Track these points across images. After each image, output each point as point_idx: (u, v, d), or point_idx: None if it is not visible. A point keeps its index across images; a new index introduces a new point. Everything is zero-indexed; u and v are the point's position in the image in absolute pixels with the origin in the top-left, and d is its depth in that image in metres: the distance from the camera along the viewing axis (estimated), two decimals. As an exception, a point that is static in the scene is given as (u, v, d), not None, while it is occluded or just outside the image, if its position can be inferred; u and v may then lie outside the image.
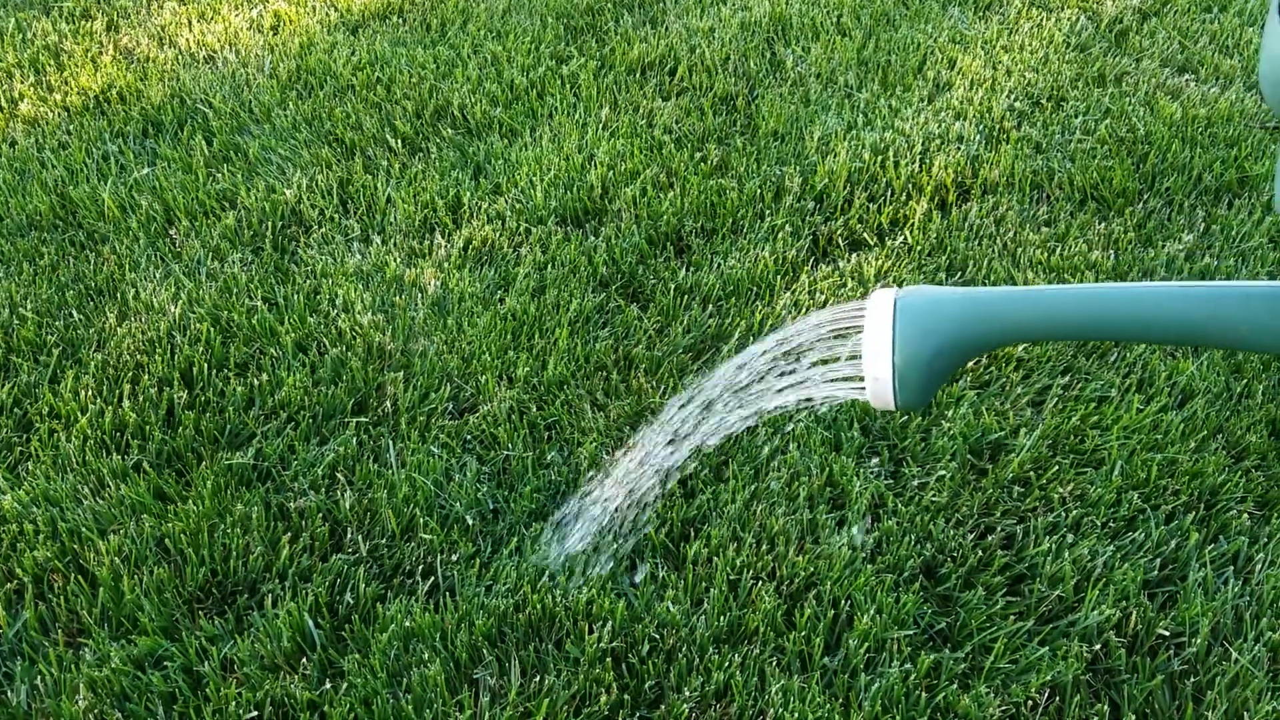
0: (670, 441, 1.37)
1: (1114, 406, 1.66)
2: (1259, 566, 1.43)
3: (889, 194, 2.14)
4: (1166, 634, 1.35)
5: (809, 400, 1.08)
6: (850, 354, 0.99)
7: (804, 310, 1.87)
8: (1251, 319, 0.87)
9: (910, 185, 2.16)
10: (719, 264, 1.97)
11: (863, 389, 0.96)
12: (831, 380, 1.03)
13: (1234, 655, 1.33)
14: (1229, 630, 1.36)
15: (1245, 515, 1.49)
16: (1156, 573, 1.42)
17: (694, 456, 1.44)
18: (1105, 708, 1.28)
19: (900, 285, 0.97)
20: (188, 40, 2.84)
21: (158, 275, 1.99)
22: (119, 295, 1.94)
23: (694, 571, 1.42)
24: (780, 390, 1.12)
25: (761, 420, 1.20)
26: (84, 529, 1.49)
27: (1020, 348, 1.76)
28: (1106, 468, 1.55)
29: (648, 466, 1.42)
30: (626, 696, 1.29)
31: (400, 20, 2.92)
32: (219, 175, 2.27)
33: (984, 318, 0.94)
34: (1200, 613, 1.36)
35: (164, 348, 1.79)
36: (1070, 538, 1.46)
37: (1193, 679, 1.31)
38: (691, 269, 1.97)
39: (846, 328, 0.99)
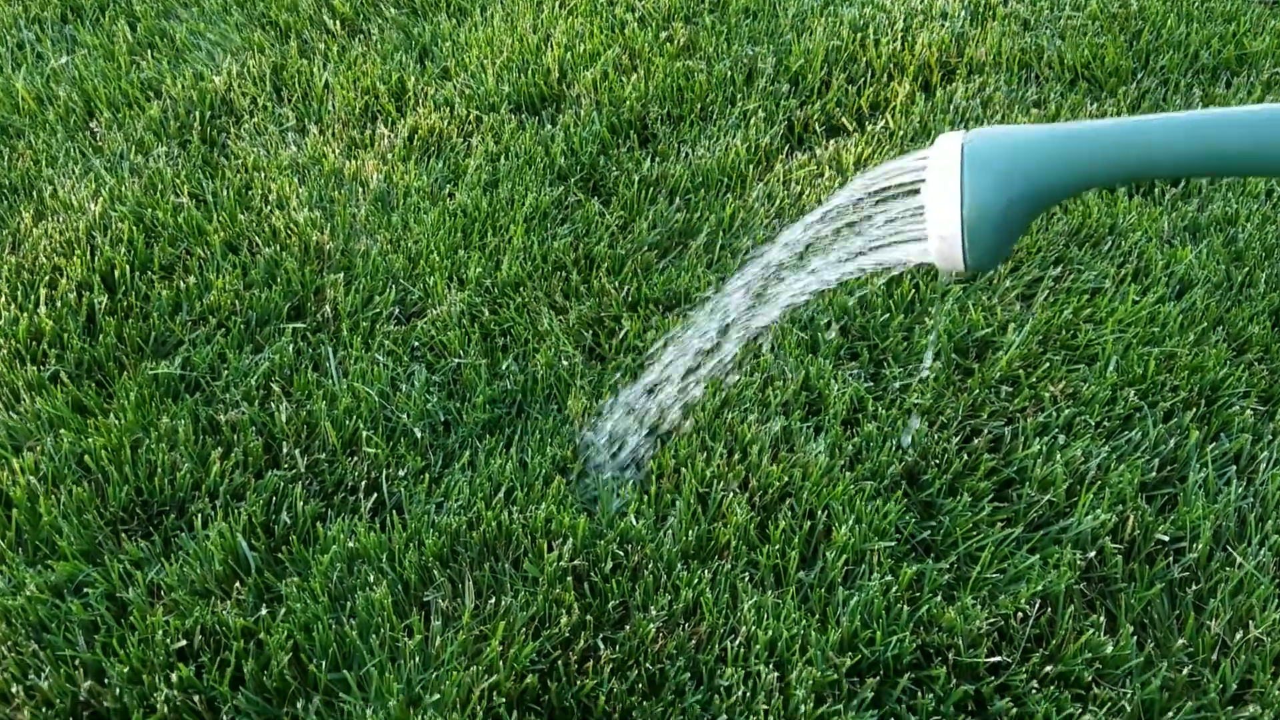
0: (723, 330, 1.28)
1: (1108, 298, 1.55)
2: (1263, 466, 1.34)
3: (869, 75, 1.99)
4: (1165, 539, 1.27)
5: (865, 269, 0.98)
6: (915, 209, 0.88)
7: (777, 202, 1.73)
8: None
9: (892, 65, 2.01)
10: (686, 153, 1.83)
11: (927, 253, 0.86)
12: (893, 243, 0.92)
13: (1238, 560, 1.25)
14: (1232, 534, 1.28)
15: (1248, 411, 1.40)
16: (1154, 474, 1.33)
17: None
18: (1101, 618, 1.20)
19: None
20: (108, -83, 2.61)
21: (77, 171, 1.83)
22: (35, 193, 1.79)
23: (660, 484, 1.32)
24: (838, 261, 1.02)
25: (821, 293, 1.11)
26: (-4, 447, 1.37)
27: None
28: (1100, 363, 1.45)
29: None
30: (589, 617, 1.19)
31: (340, -106, 2.70)
32: (143, 63, 2.09)
33: (1067, 158, 0.82)
34: (1201, 516, 1.28)
35: (83, 249, 1.64)
36: (1062, 439, 1.36)
37: (1194, 586, 1.23)
38: (657, 159, 1.83)
39: (912, 182, 0.88)
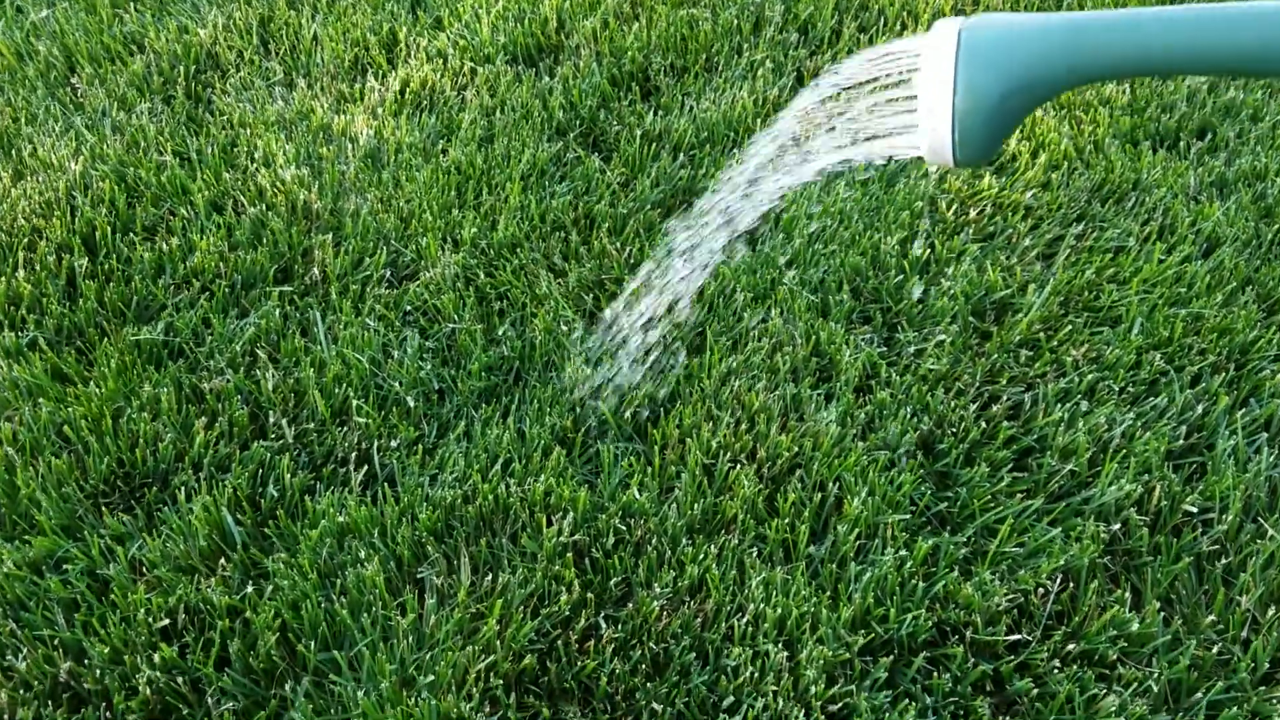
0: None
1: (1132, 257, 1.48)
2: (1295, 433, 1.28)
3: (881, 23, 1.91)
4: (1193, 510, 1.21)
5: (848, 161, 0.91)
6: (905, 98, 0.83)
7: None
8: None
9: (905, 13, 1.92)
10: (691, 106, 1.75)
11: (917, 145, 0.81)
12: (879, 135, 0.86)
13: (1269, 532, 1.19)
14: (1262, 505, 1.22)
15: (1279, 375, 1.33)
16: (1181, 442, 1.27)
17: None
18: (1125, 594, 1.14)
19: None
20: None
21: (57, 129, 1.75)
22: (14, 152, 1.72)
23: (664, 455, 1.26)
24: (814, 154, 0.95)
25: (796, 188, 1.04)
26: (-28, 418, 1.31)
27: (1028, 193, 1.57)
28: (1124, 326, 1.39)
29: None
30: (590, 595, 1.14)
31: None
32: (126, 15, 2.01)
33: (1070, 48, 0.77)
34: (1231, 486, 1.22)
35: (63, 210, 1.58)
36: (1084, 405, 1.30)
37: (1223, 560, 1.17)
38: (660, 113, 1.75)
39: (905, 69, 0.83)
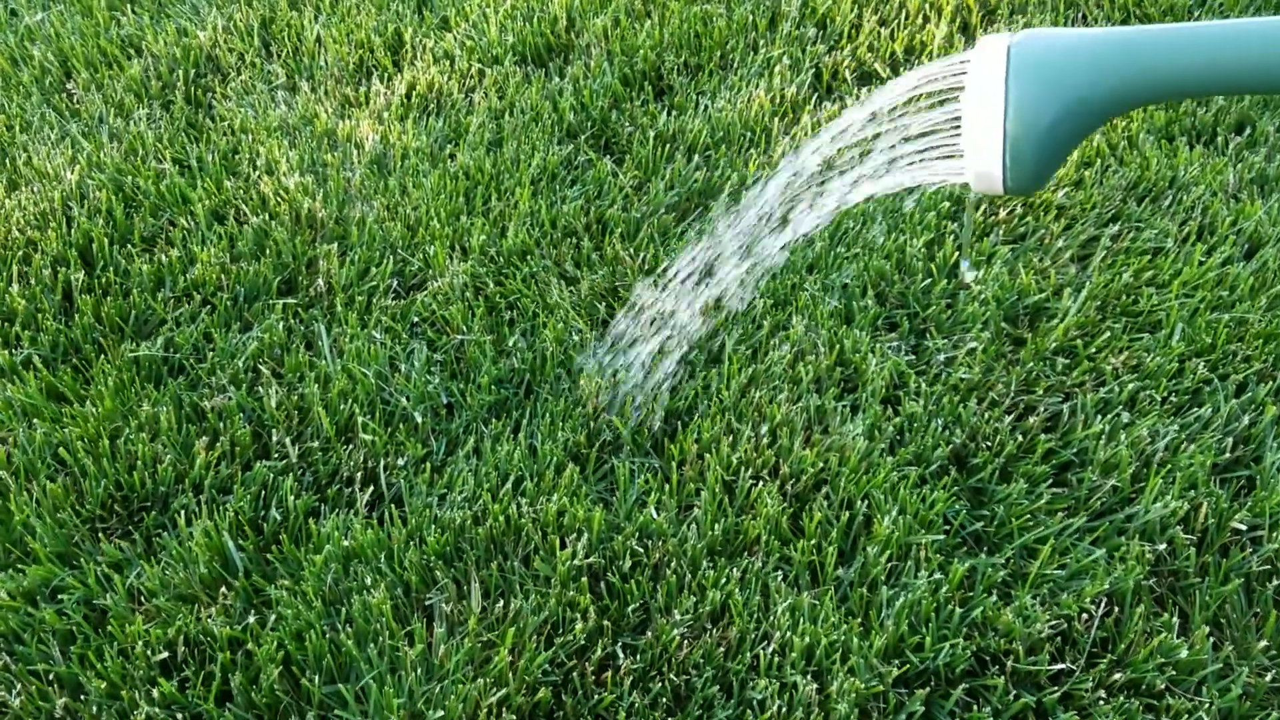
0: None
1: (1171, 259, 1.42)
2: (1349, 445, 1.22)
3: (903, 16, 1.84)
4: (1242, 528, 1.15)
5: (885, 190, 0.86)
6: (950, 120, 0.78)
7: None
8: None
9: (927, 5, 1.86)
10: (706, 106, 1.70)
11: (962, 171, 0.76)
12: (921, 161, 0.82)
13: (1325, 553, 1.13)
14: (1317, 522, 1.16)
15: (1330, 384, 1.27)
16: (1227, 455, 1.21)
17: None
18: (1173, 619, 1.08)
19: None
20: None
21: (53, 136, 1.71)
22: (8, 161, 1.67)
23: (682, 471, 1.20)
24: (856, 181, 0.90)
25: (839, 214, 0.99)
26: (-35, 439, 1.27)
27: (1060, 192, 1.50)
28: (1165, 331, 1.33)
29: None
30: (606, 622, 1.09)
31: None
32: (123, 18, 1.96)
33: (1128, 66, 0.72)
34: (1282, 502, 1.16)
35: (59, 221, 1.53)
36: (1125, 416, 1.24)
37: (1274, 581, 1.11)
38: (674, 113, 1.69)
39: (950, 89, 0.78)
